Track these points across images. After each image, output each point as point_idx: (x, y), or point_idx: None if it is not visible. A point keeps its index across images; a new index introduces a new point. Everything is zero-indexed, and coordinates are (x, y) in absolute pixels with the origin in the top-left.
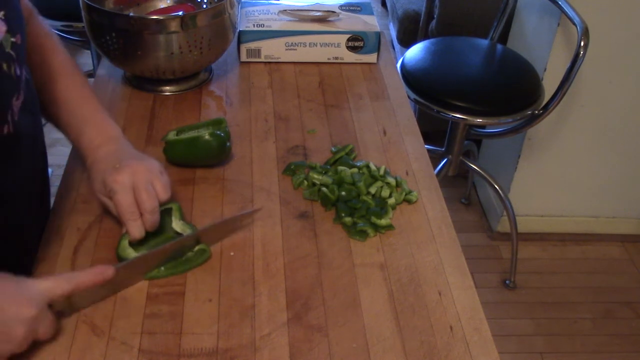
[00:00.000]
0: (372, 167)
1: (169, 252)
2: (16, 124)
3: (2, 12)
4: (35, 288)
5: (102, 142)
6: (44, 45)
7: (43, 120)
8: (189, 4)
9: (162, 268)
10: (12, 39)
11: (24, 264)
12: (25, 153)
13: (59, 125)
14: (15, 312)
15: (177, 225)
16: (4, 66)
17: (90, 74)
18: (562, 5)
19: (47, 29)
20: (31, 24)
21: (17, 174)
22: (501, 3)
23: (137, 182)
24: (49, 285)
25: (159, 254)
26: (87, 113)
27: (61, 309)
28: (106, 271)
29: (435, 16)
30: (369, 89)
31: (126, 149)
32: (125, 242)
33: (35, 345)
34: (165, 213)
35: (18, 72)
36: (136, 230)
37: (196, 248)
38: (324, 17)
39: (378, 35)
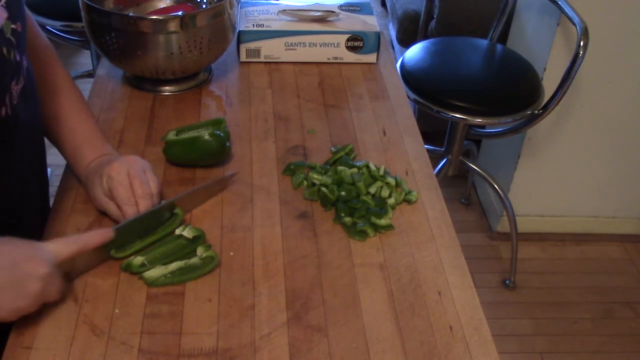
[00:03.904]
0: (372, 167)
1: (148, 218)
2: (14, 108)
3: (3, 0)
4: (46, 248)
5: (96, 158)
6: (45, 58)
7: None
8: (189, 4)
9: (169, 275)
10: (13, 26)
11: None
12: (23, 140)
13: (54, 139)
14: (31, 268)
15: (187, 232)
16: (4, 50)
17: (90, 74)
18: (562, 5)
19: (46, 42)
20: (30, 35)
21: (14, 161)
22: (501, 3)
23: (131, 170)
24: (58, 246)
25: (143, 219)
26: (86, 132)
27: (66, 271)
28: (107, 233)
29: (435, 16)
30: (368, 89)
31: (118, 156)
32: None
33: (35, 344)
34: (167, 214)
35: (18, 58)
36: (131, 214)
37: (204, 255)
38: (324, 17)
39: (378, 35)
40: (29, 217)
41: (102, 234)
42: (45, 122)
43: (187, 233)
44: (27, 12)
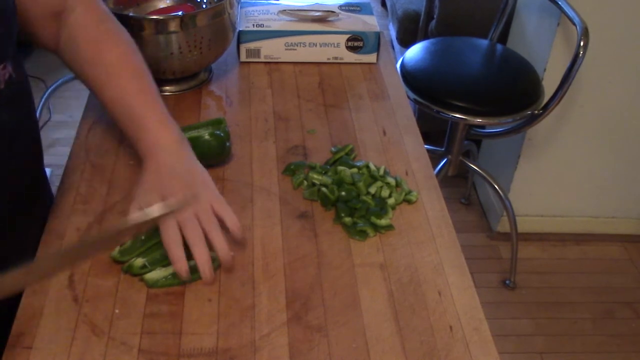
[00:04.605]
0: (372, 167)
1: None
2: None
3: None
4: None
5: (155, 151)
6: (96, 40)
7: (41, 123)
8: (189, 4)
9: (170, 276)
10: None
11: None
12: (4, 148)
13: (118, 124)
14: None
15: None
16: None
17: None
18: (562, 5)
19: (104, 18)
20: (77, 14)
21: None
22: (501, 3)
23: (184, 217)
24: None
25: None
26: (141, 116)
27: None
28: None
29: (435, 16)
30: (368, 89)
31: (174, 167)
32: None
33: (35, 344)
34: None
35: None
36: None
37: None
38: (324, 17)
39: (378, 35)
40: (23, 223)
41: None
42: (104, 107)
43: None
44: None
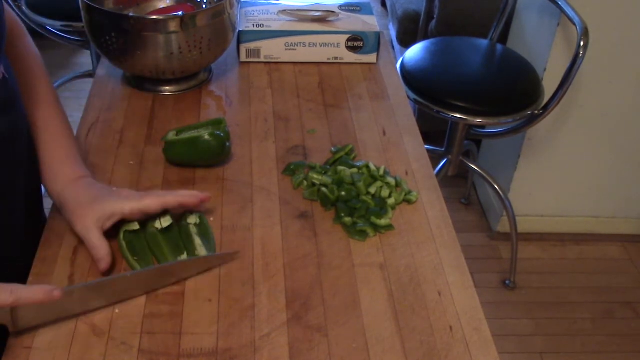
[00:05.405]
0: (372, 167)
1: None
2: None
3: None
4: None
5: (77, 178)
6: (30, 69)
7: None
8: (189, 4)
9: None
10: None
11: (21, 265)
12: None
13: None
14: None
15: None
16: None
17: (90, 74)
18: (562, 5)
19: (35, 51)
20: (20, 44)
21: None
22: (501, 3)
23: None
24: None
25: (122, 281)
26: (63, 148)
27: (3, 322)
28: (52, 292)
29: (435, 16)
30: (368, 89)
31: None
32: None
33: (35, 344)
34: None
35: None
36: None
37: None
38: (324, 17)
39: (378, 35)
40: (23, 225)
41: (45, 293)
42: (36, 117)
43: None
44: (14, 20)
